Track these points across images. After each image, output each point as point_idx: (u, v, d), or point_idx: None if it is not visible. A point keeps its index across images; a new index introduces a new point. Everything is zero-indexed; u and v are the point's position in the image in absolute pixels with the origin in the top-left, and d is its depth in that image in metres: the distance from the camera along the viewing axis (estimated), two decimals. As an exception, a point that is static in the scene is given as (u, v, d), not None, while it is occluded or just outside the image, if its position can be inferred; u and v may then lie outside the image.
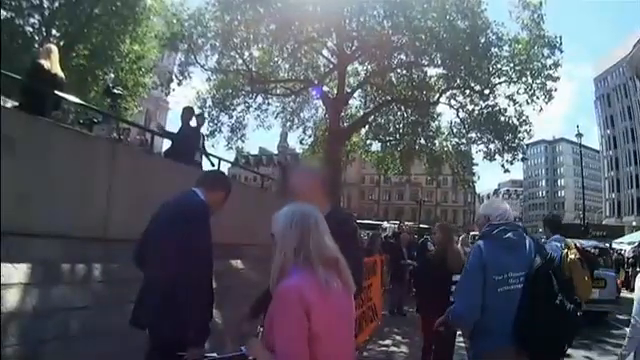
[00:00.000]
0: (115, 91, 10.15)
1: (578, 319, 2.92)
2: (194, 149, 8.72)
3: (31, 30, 18.54)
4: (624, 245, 30.85)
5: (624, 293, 19.33)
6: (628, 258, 23.19)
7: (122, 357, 2.63)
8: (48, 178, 4.38)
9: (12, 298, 3.55)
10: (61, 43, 16.97)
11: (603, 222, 64.59)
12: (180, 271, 2.61)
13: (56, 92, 5.76)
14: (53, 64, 6.03)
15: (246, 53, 18.08)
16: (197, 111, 10.21)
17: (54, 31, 18.89)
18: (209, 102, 19.66)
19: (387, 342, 7.91)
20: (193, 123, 9.03)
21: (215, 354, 2.50)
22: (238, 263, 7.25)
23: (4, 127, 3.84)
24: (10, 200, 3.78)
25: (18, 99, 5.89)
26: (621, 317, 11.51)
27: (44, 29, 18.52)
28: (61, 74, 6.15)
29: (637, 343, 2.81)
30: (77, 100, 7.93)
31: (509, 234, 3.04)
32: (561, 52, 17.41)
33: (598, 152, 77.71)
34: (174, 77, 19.78)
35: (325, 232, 1.89)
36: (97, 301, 4.30)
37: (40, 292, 3.83)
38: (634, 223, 55.56)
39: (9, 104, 5.81)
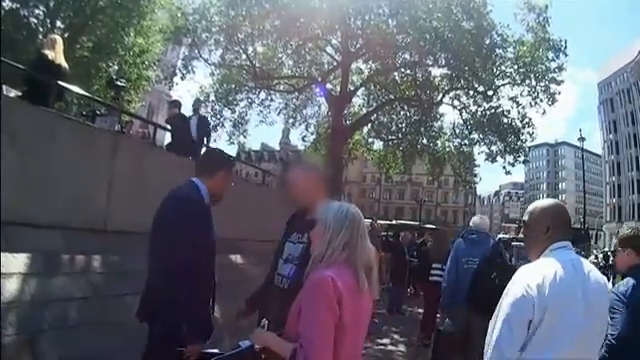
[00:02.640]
0: (118, 83, 10.15)
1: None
2: (188, 139, 8.76)
3: (35, 21, 18.51)
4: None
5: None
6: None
7: (120, 349, 2.62)
8: (49, 169, 4.38)
9: (11, 287, 3.56)
10: (65, 35, 16.93)
11: (603, 227, 64.51)
12: (167, 267, 2.58)
13: (59, 83, 5.76)
14: (57, 55, 6.03)
15: (250, 49, 18.00)
16: (196, 105, 10.27)
17: (59, 23, 18.84)
18: (212, 97, 19.61)
19: (385, 341, 7.91)
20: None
21: (216, 350, 2.48)
22: (237, 258, 7.25)
23: (7, 117, 3.84)
24: (11, 190, 3.79)
25: (21, 89, 5.90)
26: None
27: (48, 20, 18.49)
28: (65, 65, 6.15)
29: None
30: (80, 91, 7.94)
31: (473, 236, 5.57)
32: (565, 56, 17.32)
33: (600, 157, 77.48)
34: (177, 71, 19.76)
35: (367, 237, 1.99)
36: (96, 292, 4.31)
37: (39, 282, 3.83)
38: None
39: (12, 94, 5.80)
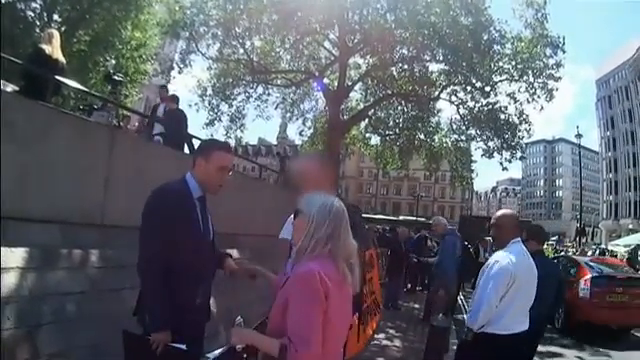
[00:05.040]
0: (116, 77, 10.11)
1: (478, 265, 6.94)
2: (180, 132, 8.72)
3: (32, 15, 18.43)
4: (620, 247, 30.99)
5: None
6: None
7: (118, 342, 2.64)
8: (47, 163, 4.39)
9: (9, 282, 3.57)
10: (62, 28, 16.88)
11: (600, 224, 64.77)
12: (139, 260, 2.62)
13: (57, 77, 5.76)
14: (55, 49, 6.03)
15: (248, 43, 17.94)
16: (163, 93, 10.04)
17: (55, 16, 18.76)
18: (209, 91, 19.57)
19: (381, 336, 7.93)
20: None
21: (183, 345, 2.47)
22: (234, 252, 7.26)
23: (4, 112, 3.84)
24: (8, 184, 3.79)
25: (18, 84, 5.89)
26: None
27: (45, 14, 18.41)
28: (62, 59, 6.15)
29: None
30: (78, 86, 7.93)
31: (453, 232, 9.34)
32: (564, 52, 17.30)
33: (597, 153, 77.67)
34: (175, 65, 19.67)
35: (349, 231, 1.99)
36: (93, 286, 4.32)
37: (37, 276, 3.84)
38: (630, 226, 55.71)
39: (9, 88, 5.80)
